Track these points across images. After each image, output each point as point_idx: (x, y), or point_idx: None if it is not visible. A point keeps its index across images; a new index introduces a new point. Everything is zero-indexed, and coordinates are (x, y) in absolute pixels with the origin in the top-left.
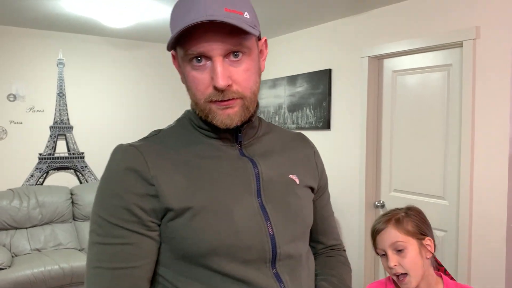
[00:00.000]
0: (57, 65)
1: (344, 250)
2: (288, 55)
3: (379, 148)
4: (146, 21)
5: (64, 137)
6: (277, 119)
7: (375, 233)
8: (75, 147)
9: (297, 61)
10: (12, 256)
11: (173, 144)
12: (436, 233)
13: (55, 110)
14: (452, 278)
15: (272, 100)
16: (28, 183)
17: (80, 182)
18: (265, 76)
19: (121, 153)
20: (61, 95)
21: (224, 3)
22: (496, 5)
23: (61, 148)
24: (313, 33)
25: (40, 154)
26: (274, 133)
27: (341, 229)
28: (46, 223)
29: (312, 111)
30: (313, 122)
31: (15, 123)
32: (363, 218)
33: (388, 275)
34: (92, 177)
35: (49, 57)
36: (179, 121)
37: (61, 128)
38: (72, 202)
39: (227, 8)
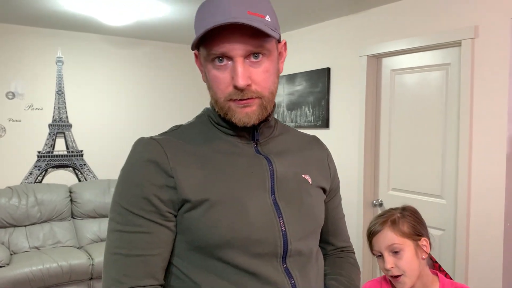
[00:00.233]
0: (56, 63)
1: (354, 253)
2: (287, 54)
3: (377, 147)
4: (145, 19)
5: (63, 135)
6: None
7: (371, 235)
8: (74, 145)
9: (296, 60)
10: (11, 254)
11: (192, 139)
12: (434, 231)
13: (54, 108)
14: (446, 274)
15: None
16: (27, 181)
17: (79, 180)
18: None
19: (142, 145)
20: (60, 93)
21: (247, 7)
22: (494, 4)
23: (60, 146)
24: (311, 32)
25: (39, 152)
26: (290, 134)
27: None
28: (45, 221)
29: (311, 110)
30: (312, 121)
31: (14, 121)
32: (361, 216)
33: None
34: (91, 175)
35: (48, 55)
36: (198, 117)
37: (60, 126)
38: (71, 200)
39: (250, 11)
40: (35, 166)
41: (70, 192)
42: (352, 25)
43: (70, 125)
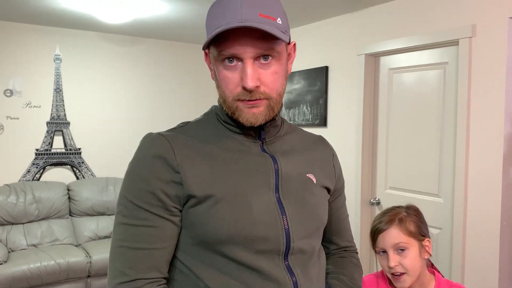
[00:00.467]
0: (54, 61)
1: (357, 253)
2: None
3: (375, 145)
4: (144, 17)
5: (61, 132)
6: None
7: (377, 233)
8: (72, 142)
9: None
10: (9, 252)
11: (199, 136)
12: (431, 230)
13: (52, 105)
14: (437, 271)
15: None
16: (24, 179)
17: (77, 178)
18: None
19: (150, 141)
20: (58, 90)
21: (259, 9)
22: (492, 3)
23: (58, 143)
24: (310, 30)
25: (36, 150)
26: (296, 134)
27: None
28: (43, 219)
29: (309, 108)
30: (310, 119)
31: (11, 118)
32: (358, 215)
33: (379, 270)
34: (89, 172)
35: (46, 53)
36: (206, 115)
37: (58, 124)
38: (69, 198)
39: (261, 14)
40: (33, 164)
41: (68, 190)
42: (350, 23)
43: (68, 123)
